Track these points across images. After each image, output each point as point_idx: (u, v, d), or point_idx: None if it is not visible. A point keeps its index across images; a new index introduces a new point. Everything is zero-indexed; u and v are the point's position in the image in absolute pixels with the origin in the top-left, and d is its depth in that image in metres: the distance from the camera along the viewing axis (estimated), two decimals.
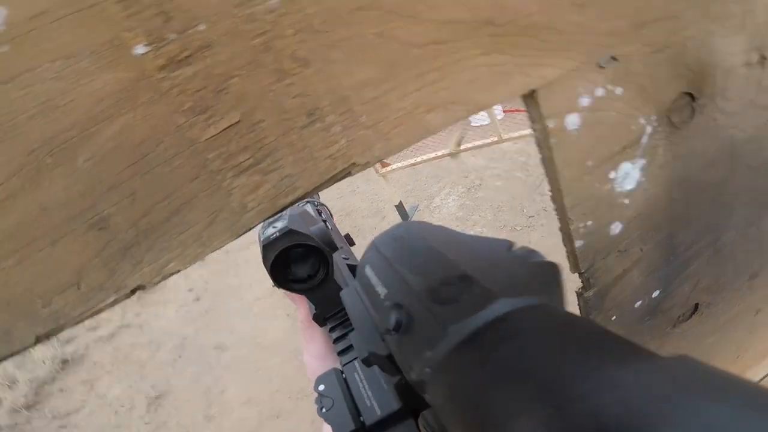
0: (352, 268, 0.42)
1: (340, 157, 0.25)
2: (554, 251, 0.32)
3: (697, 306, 0.46)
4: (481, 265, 0.19)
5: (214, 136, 0.22)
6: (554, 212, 0.35)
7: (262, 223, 0.33)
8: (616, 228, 0.36)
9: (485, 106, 0.28)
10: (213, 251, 0.24)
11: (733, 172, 0.41)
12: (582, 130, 0.32)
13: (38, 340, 0.22)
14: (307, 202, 0.60)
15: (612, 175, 0.34)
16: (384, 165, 3.10)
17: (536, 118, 0.31)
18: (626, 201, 0.36)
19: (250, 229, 0.25)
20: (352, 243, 0.56)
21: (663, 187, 0.37)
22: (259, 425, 2.12)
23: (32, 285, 0.21)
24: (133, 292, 0.23)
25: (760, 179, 0.43)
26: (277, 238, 0.32)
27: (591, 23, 0.30)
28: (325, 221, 0.51)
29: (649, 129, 0.35)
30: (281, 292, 0.38)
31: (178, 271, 0.23)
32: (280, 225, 0.33)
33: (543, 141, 0.32)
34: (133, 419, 2.50)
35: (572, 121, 0.31)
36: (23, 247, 0.21)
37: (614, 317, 0.41)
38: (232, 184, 0.23)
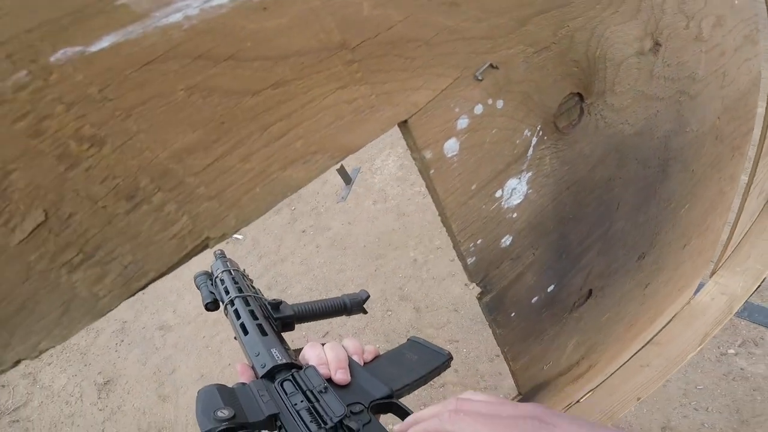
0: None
1: (187, 236, 0.22)
2: None
3: (591, 292, 0.48)
4: None
5: (25, 239, 0.20)
6: None
7: None
8: (506, 241, 0.35)
9: (353, 150, 0.25)
10: (80, 330, 0.23)
11: (620, 168, 0.41)
12: (462, 154, 0.29)
13: None
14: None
15: (498, 193, 0.33)
16: None
17: (413, 148, 0.28)
18: (514, 215, 0.35)
19: (113, 309, 0.23)
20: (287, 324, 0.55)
21: (551, 194, 0.36)
22: None
23: None
24: (16, 363, 0.24)
25: (646, 169, 0.44)
26: None
27: (464, 26, 0.27)
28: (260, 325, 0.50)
29: (534, 140, 0.33)
30: None
31: (53, 346, 0.24)
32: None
33: (423, 172, 0.29)
34: (86, 407, 2.41)
35: (451, 147, 0.29)
36: None
37: (513, 314, 0.42)
38: (71, 279, 0.21)
